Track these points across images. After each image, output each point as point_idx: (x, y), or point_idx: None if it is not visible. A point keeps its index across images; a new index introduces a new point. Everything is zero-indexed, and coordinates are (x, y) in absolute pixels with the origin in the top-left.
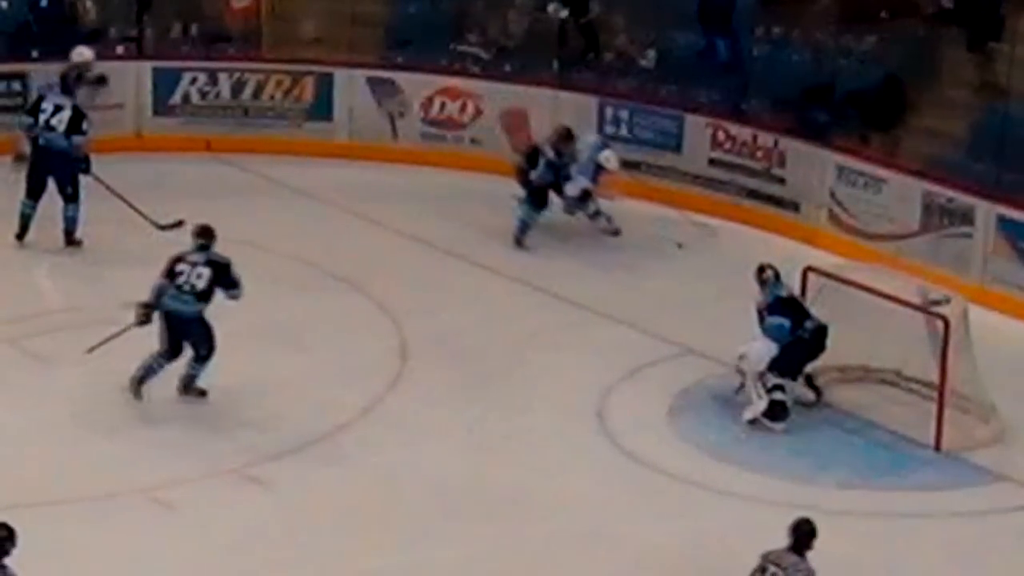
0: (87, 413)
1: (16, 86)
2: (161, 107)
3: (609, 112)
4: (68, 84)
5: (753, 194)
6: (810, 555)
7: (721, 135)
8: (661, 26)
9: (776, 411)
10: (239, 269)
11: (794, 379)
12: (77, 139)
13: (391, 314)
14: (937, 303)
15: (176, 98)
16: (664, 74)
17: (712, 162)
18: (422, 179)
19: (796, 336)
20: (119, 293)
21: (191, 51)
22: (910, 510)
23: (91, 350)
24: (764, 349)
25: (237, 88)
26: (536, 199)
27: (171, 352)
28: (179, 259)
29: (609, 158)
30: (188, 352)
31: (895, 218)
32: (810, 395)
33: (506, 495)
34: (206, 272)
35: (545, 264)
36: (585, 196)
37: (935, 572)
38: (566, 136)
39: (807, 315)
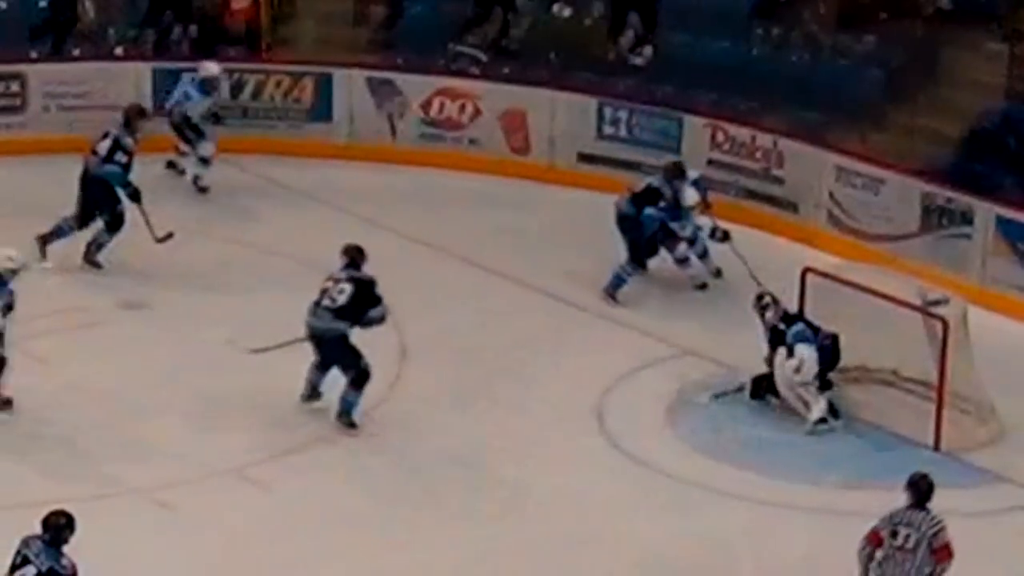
0: (86, 413)
1: (14, 86)
2: (160, 108)
3: (608, 113)
4: (128, 114)
5: (752, 195)
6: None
7: (720, 136)
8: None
9: (834, 410)
10: (239, 269)
11: (821, 390)
12: (109, 168)
13: (391, 314)
14: (936, 304)
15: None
16: (662, 74)
17: (711, 163)
18: (421, 179)
19: (820, 344)
20: (119, 293)
21: (190, 52)
22: None
23: (258, 351)
24: (809, 354)
25: (236, 89)
26: (641, 254)
27: (321, 368)
28: (326, 279)
29: (691, 195)
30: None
31: (894, 219)
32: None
33: (506, 495)
34: (348, 288)
35: (544, 265)
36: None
37: None
38: (679, 171)
39: (817, 326)
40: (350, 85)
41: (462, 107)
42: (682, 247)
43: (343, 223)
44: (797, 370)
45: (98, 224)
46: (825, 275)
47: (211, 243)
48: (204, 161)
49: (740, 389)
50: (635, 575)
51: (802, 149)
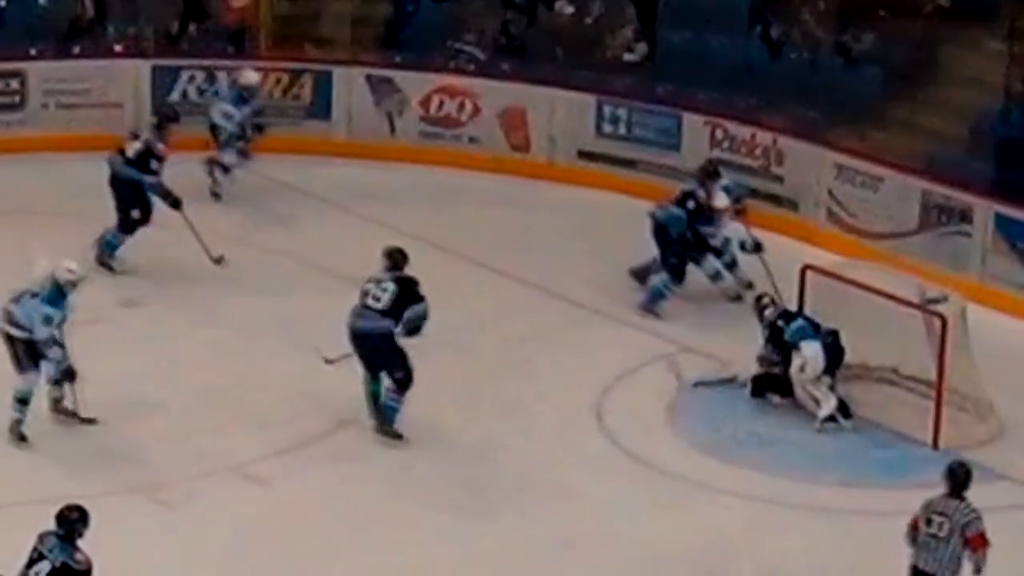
0: (85, 411)
1: (14, 84)
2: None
3: (607, 111)
4: (160, 116)
5: (752, 192)
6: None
7: (720, 133)
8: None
9: (844, 409)
10: (237, 266)
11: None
12: (148, 179)
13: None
14: (935, 301)
15: (175, 96)
16: (661, 72)
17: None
18: (420, 177)
19: (823, 341)
20: (118, 291)
21: (189, 49)
22: (908, 508)
23: (330, 362)
24: (813, 351)
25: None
26: (679, 266)
27: (371, 375)
28: (367, 280)
29: (722, 198)
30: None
31: (893, 216)
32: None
33: (505, 494)
34: (391, 287)
35: (544, 263)
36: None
37: None
38: (713, 171)
39: (817, 323)
40: (349, 83)
41: (461, 105)
42: (711, 261)
43: (342, 221)
44: (802, 368)
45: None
46: (825, 273)
47: (209, 240)
48: (224, 168)
49: (729, 380)
50: (634, 573)
51: (802, 147)
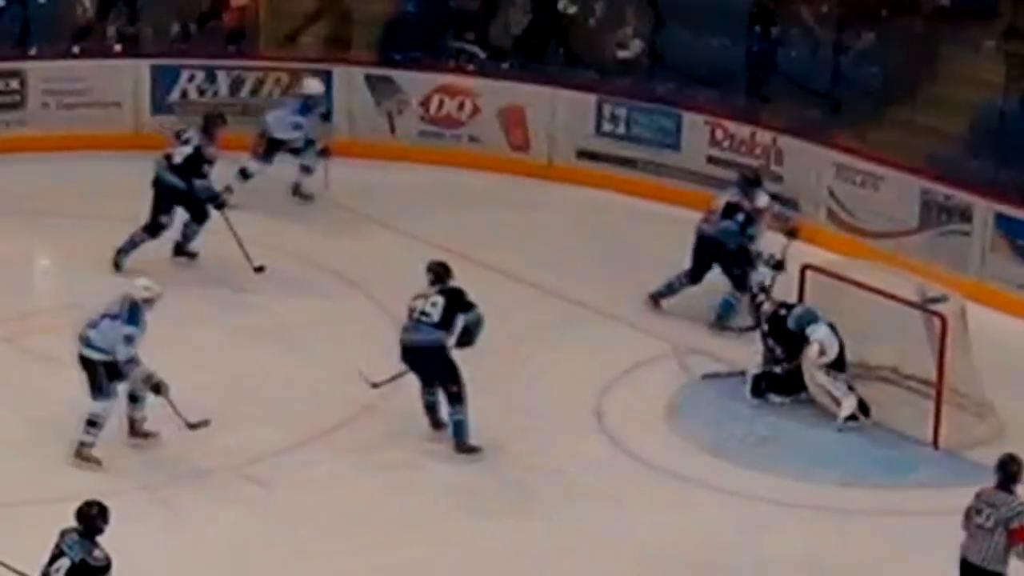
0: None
1: (14, 84)
2: (159, 105)
3: (607, 110)
4: (208, 119)
5: None
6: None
7: (719, 133)
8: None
9: (864, 407)
10: (237, 266)
11: (843, 371)
12: (198, 182)
13: (390, 312)
14: (935, 301)
15: (174, 96)
16: (661, 71)
17: (710, 160)
18: (420, 177)
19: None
20: (117, 291)
21: (189, 49)
22: (908, 508)
23: (376, 386)
24: (824, 333)
25: (235, 86)
26: (742, 276)
27: (427, 387)
28: (414, 297)
29: (764, 197)
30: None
31: (893, 216)
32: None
33: (505, 494)
34: (440, 300)
35: (544, 262)
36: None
37: (933, 570)
38: (756, 178)
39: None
40: (349, 82)
41: (461, 104)
42: (755, 277)
43: (342, 220)
44: (822, 352)
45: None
46: (824, 272)
47: (210, 239)
48: (307, 170)
49: (739, 373)
50: (634, 572)
51: (801, 146)
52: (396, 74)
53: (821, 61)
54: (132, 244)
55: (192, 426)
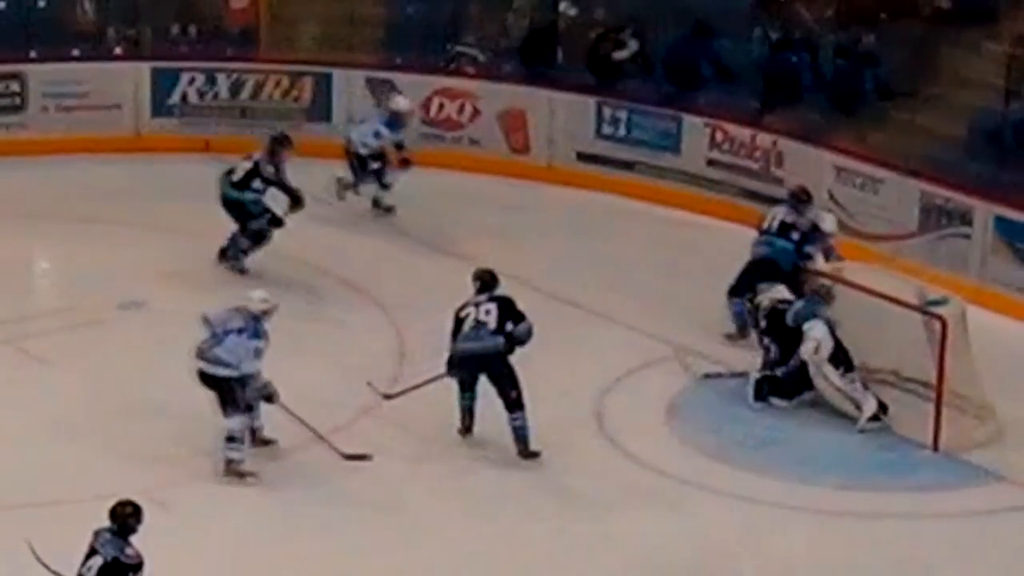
0: (85, 413)
1: (14, 86)
2: (160, 107)
3: (607, 113)
4: (273, 140)
5: (751, 195)
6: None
7: (719, 135)
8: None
9: (883, 406)
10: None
11: (851, 369)
12: (247, 195)
13: (390, 314)
14: (935, 304)
15: (175, 98)
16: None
17: (710, 163)
18: (420, 179)
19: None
20: (117, 293)
21: (189, 51)
22: (908, 511)
23: (389, 397)
24: (821, 331)
25: (235, 88)
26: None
27: (469, 389)
28: (461, 307)
29: (831, 220)
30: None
31: (893, 219)
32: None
33: (505, 495)
34: (493, 308)
35: (543, 264)
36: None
37: (933, 572)
38: (807, 197)
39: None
40: (349, 85)
41: (461, 107)
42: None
43: (342, 222)
44: (816, 350)
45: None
46: (824, 275)
47: (209, 243)
48: (385, 186)
49: (740, 374)
50: (634, 575)
51: (801, 149)
52: (396, 77)
53: (822, 63)
54: (239, 250)
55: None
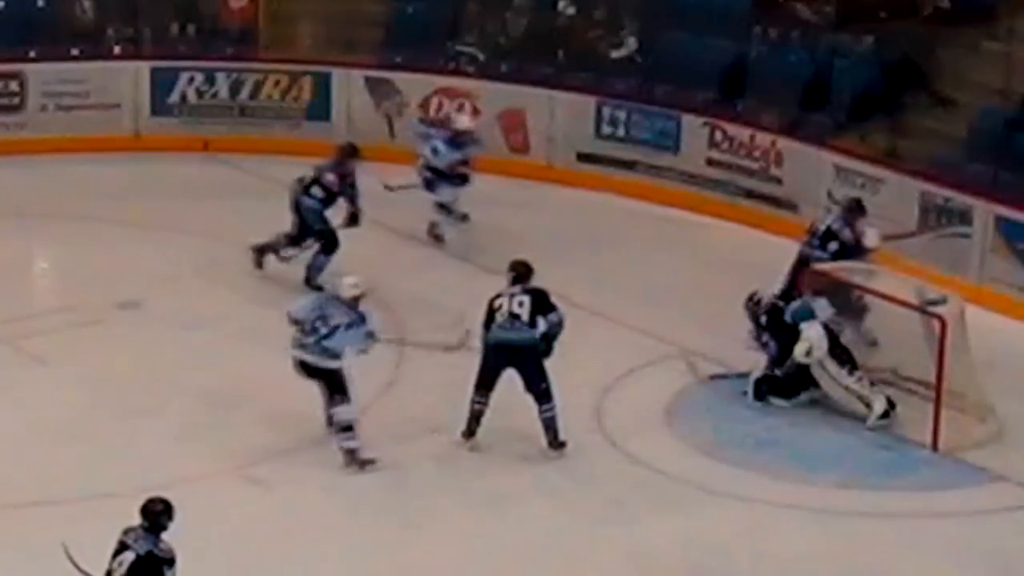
0: (85, 413)
1: (13, 86)
2: (159, 107)
3: (607, 112)
4: (340, 150)
5: (751, 194)
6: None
7: (718, 135)
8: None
9: (891, 402)
10: (236, 268)
11: (855, 367)
12: (306, 202)
13: (390, 313)
14: (934, 303)
15: (174, 98)
16: (660, 73)
17: (710, 162)
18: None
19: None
20: (116, 293)
21: (189, 51)
22: (907, 510)
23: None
24: (816, 332)
25: (235, 88)
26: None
27: (487, 389)
28: (495, 297)
29: (873, 235)
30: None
31: (893, 218)
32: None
33: (505, 494)
34: (526, 300)
35: (542, 264)
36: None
37: (932, 572)
38: (859, 209)
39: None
40: (348, 84)
41: (461, 107)
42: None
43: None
44: (808, 352)
45: (313, 246)
46: (824, 275)
47: (209, 242)
48: (441, 207)
49: (745, 374)
50: (633, 574)
51: (801, 148)
52: (395, 76)
53: (821, 63)
54: (318, 269)
55: None
